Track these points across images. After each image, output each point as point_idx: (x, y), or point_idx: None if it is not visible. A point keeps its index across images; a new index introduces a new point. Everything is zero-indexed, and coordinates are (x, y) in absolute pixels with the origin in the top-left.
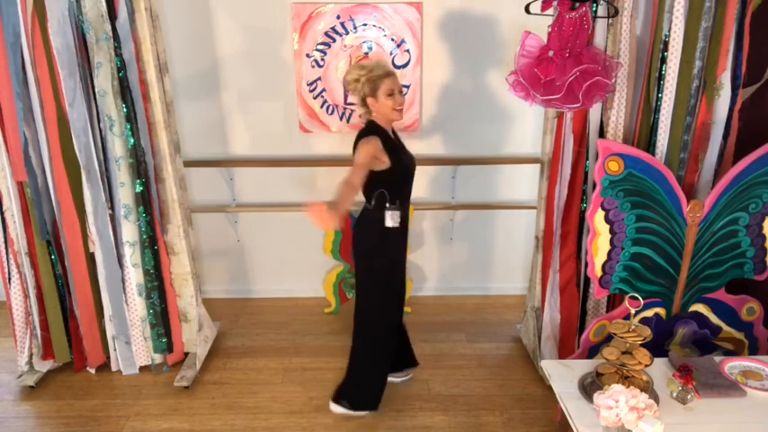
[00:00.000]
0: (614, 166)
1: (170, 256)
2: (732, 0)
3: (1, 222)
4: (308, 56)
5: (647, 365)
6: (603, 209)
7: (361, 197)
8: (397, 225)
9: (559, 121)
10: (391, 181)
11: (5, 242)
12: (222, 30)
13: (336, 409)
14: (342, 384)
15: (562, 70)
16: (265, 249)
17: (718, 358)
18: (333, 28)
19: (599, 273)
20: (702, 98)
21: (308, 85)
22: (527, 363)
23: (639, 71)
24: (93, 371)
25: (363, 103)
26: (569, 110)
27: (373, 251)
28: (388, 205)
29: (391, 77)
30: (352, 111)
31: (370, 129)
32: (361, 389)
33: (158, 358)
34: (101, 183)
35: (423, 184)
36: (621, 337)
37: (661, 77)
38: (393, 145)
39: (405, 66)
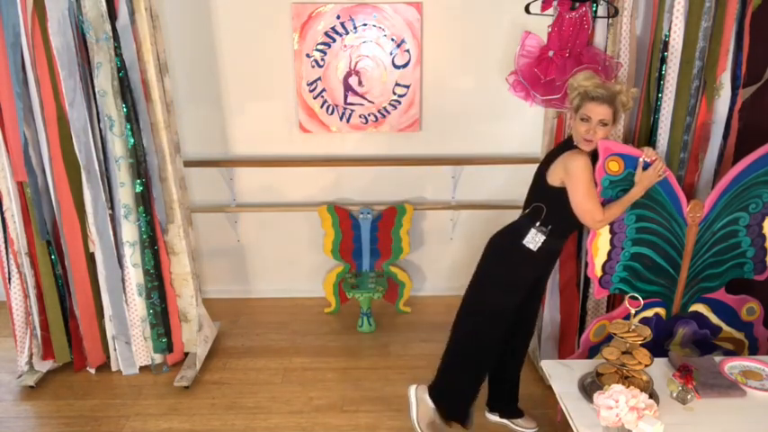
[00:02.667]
0: (614, 166)
1: (170, 256)
2: (732, 0)
3: (1, 222)
4: (308, 56)
5: (647, 365)
6: None
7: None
8: (532, 248)
9: (559, 121)
10: (563, 206)
11: (5, 242)
12: (222, 29)
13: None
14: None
15: (562, 70)
16: (265, 249)
17: (718, 358)
18: (333, 28)
19: (599, 273)
20: (702, 98)
21: (307, 85)
22: (527, 363)
23: (639, 71)
24: (93, 371)
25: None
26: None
27: (505, 261)
28: (537, 224)
29: (597, 104)
30: (352, 111)
31: (573, 144)
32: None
33: (158, 358)
34: (101, 183)
35: (423, 184)
36: (621, 337)
37: (661, 77)
38: None
39: (405, 66)
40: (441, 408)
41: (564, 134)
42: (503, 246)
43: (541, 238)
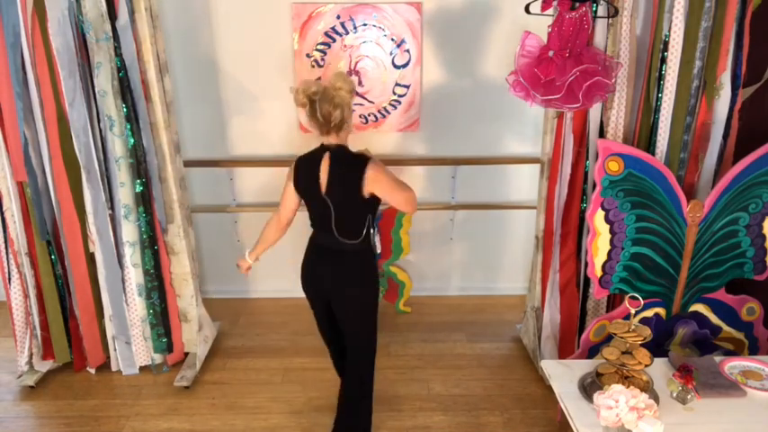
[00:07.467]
0: (614, 166)
1: (170, 256)
2: (732, 0)
3: (1, 222)
4: (308, 56)
5: (647, 365)
6: (603, 209)
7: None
8: (378, 250)
9: (559, 121)
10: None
11: (5, 242)
12: (222, 30)
13: None
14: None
15: (562, 70)
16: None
17: (718, 358)
18: (333, 28)
19: (599, 273)
20: (702, 98)
21: None
22: (527, 363)
23: (639, 71)
24: (93, 371)
25: None
26: (569, 110)
27: (374, 279)
28: (372, 231)
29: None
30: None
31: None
32: (368, 416)
33: (158, 358)
34: (101, 183)
35: (423, 184)
36: (621, 337)
37: (661, 77)
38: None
39: (405, 66)
40: None
41: (564, 134)
42: (361, 268)
43: (377, 235)
